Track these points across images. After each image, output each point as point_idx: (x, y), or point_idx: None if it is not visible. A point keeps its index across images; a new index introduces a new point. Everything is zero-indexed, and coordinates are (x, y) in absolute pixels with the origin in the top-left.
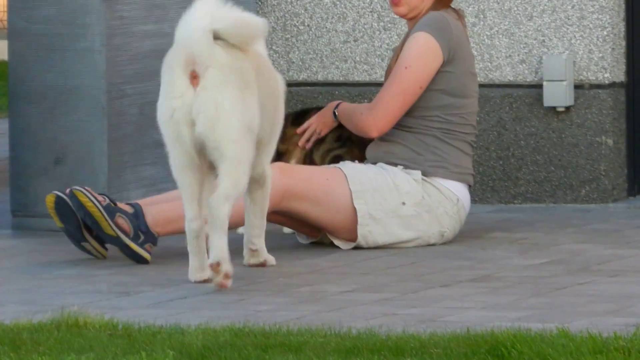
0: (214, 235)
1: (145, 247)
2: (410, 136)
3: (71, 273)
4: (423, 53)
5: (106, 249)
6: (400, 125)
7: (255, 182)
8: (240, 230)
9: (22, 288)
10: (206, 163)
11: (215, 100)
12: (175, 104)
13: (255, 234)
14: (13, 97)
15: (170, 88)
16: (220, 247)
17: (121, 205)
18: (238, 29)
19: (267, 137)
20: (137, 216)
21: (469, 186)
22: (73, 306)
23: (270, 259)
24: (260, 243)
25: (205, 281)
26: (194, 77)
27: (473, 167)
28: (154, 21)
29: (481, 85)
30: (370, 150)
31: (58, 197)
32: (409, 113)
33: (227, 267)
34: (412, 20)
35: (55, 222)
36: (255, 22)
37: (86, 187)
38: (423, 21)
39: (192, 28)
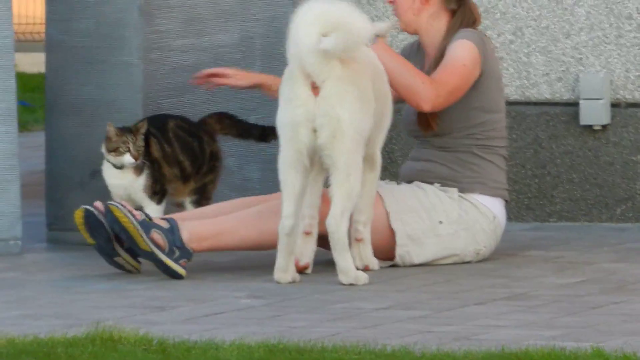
0: (340, 257)
1: (180, 262)
2: (448, 155)
3: (106, 287)
4: (474, 60)
5: (139, 262)
6: (437, 147)
7: (366, 162)
8: None
9: (57, 302)
10: (314, 168)
11: (335, 112)
12: (298, 111)
13: (362, 220)
14: (50, 109)
15: (292, 96)
16: (348, 268)
17: (156, 220)
18: (342, 45)
19: (376, 129)
20: (173, 231)
21: (505, 202)
22: (108, 320)
23: (374, 263)
24: (366, 233)
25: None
26: (314, 88)
27: (509, 184)
28: (192, 35)
29: (517, 103)
30: (404, 170)
31: (87, 210)
32: (449, 134)
33: (363, 280)
34: (420, 37)
35: (86, 239)
36: (358, 31)
37: (122, 202)
38: (464, 35)
39: (301, 45)
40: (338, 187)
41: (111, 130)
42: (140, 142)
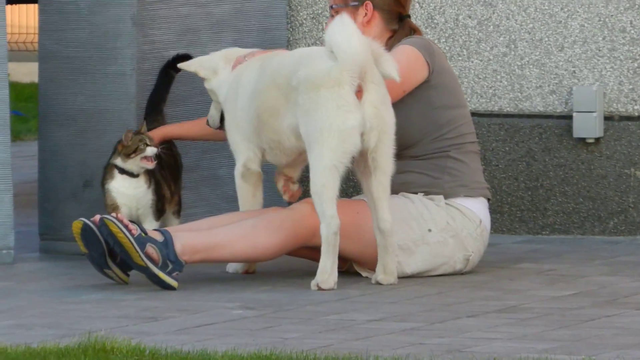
0: (390, 259)
1: (173, 275)
2: (425, 163)
3: (98, 297)
4: (412, 61)
5: (128, 275)
6: (412, 157)
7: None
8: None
9: (49, 311)
10: (350, 167)
11: (382, 116)
12: (349, 115)
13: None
14: (43, 119)
15: (343, 101)
16: (393, 269)
17: (151, 232)
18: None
19: None
20: (167, 245)
21: (488, 200)
22: (100, 331)
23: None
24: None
25: (321, 289)
26: (359, 91)
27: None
28: (185, 46)
29: (511, 115)
30: None
31: (85, 224)
32: (421, 140)
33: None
34: None
35: (80, 247)
36: None
37: (117, 215)
38: (404, 41)
39: (364, 46)
40: (384, 190)
41: (129, 135)
42: (151, 138)
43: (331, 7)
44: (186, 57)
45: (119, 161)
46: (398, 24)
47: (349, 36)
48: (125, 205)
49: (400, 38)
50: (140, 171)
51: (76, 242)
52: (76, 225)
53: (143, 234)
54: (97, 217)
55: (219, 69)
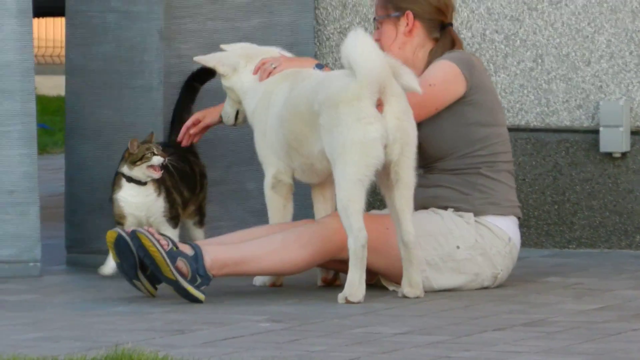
0: (415, 271)
1: (201, 288)
2: (456, 178)
3: (125, 310)
4: (449, 78)
5: (156, 288)
6: (443, 170)
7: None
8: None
9: (76, 324)
10: (372, 181)
11: (405, 128)
12: (371, 127)
13: None
14: (69, 133)
15: (362, 115)
16: (419, 282)
17: (181, 246)
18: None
19: None
20: (197, 259)
21: (518, 219)
22: (127, 343)
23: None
24: None
25: (349, 302)
26: (379, 105)
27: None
28: None
29: (537, 130)
30: (416, 198)
31: (119, 234)
32: (452, 154)
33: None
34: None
35: (112, 256)
36: None
37: (149, 229)
38: (445, 55)
39: (381, 61)
40: (407, 202)
41: (134, 143)
42: (159, 148)
43: (374, 19)
44: (209, 71)
45: (125, 169)
46: (440, 32)
47: (365, 51)
48: (132, 215)
49: (442, 47)
50: (147, 179)
51: (105, 254)
52: (110, 235)
53: (174, 248)
54: (130, 228)
55: (239, 68)
